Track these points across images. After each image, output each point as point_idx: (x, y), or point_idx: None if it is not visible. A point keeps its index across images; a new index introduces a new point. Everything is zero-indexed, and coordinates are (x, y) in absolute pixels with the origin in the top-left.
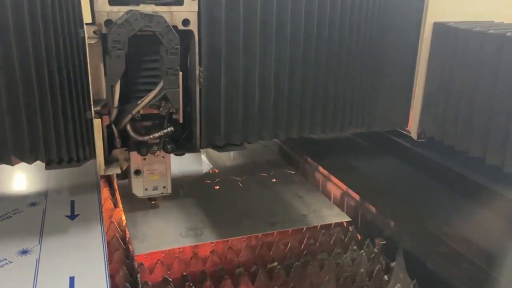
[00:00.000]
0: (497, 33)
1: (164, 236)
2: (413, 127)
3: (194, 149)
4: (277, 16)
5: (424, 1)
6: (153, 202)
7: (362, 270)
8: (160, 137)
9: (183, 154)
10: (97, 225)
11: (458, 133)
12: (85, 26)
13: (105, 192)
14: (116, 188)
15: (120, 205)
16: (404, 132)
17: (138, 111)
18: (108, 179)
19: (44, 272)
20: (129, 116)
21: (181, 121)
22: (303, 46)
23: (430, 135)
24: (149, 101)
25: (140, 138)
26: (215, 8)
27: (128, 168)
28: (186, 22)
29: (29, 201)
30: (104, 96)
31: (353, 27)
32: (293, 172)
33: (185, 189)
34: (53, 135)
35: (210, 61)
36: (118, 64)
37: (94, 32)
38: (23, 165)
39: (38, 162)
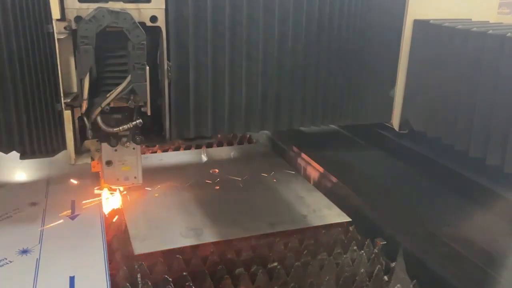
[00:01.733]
0: (465, 28)
1: (164, 236)
2: (395, 120)
3: (164, 141)
4: (247, 14)
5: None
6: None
7: (362, 270)
8: (129, 129)
9: (155, 145)
10: (98, 225)
11: (437, 125)
12: (54, 22)
13: (106, 192)
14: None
15: (121, 205)
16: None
17: (108, 104)
18: None
19: (44, 272)
20: (99, 109)
21: (149, 113)
22: (277, 43)
23: (413, 127)
24: (117, 95)
25: (110, 130)
26: (182, 5)
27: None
28: (153, 18)
29: (30, 201)
30: (75, 89)
31: (333, 24)
32: (294, 172)
33: (186, 189)
34: (25, 127)
35: (178, 56)
36: (86, 58)
37: (65, 28)
38: (24, 164)
39: (39, 161)
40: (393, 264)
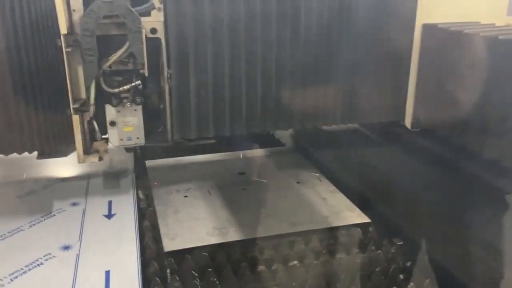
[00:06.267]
0: (470, 32)
1: (192, 235)
2: (407, 119)
3: (166, 142)
4: (246, 24)
5: (416, 5)
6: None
7: (378, 269)
8: (129, 90)
9: (157, 145)
10: (132, 224)
11: (447, 125)
12: (62, 36)
13: (140, 193)
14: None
15: (154, 206)
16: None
17: (109, 66)
18: (145, 182)
19: (83, 266)
20: (101, 71)
21: (146, 75)
22: (276, 48)
23: (424, 125)
24: (118, 57)
25: (111, 90)
26: (181, 18)
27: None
28: (153, 30)
29: (71, 201)
30: (84, 96)
31: (350, 29)
32: (318, 174)
33: (214, 191)
34: (43, 131)
35: (179, 64)
36: (91, 68)
37: (74, 41)
38: (65, 168)
39: (79, 166)
40: (408, 264)
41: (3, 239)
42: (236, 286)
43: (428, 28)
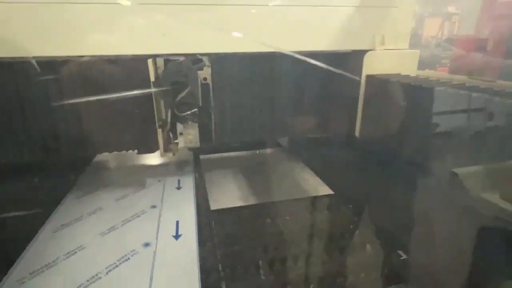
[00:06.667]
0: (393, 80)
1: (227, 199)
2: (357, 131)
3: (212, 144)
4: (260, 74)
5: (363, 62)
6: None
7: (337, 222)
8: (190, 114)
9: (206, 146)
10: (191, 192)
11: (379, 134)
12: (151, 82)
13: (196, 175)
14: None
15: (204, 183)
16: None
17: (179, 99)
18: (199, 168)
19: (163, 218)
20: (174, 102)
21: (200, 105)
22: (280, 89)
23: (367, 135)
24: (183, 95)
25: (180, 114)
26: (221, 71)
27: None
28: (205, 79)
29: (157, 179)
30: (164, 117)
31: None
32: (303, 164)
33: (241, 174)
34: (141, 137)
35: (219, 98)
36: (168, 101)
37: (158, 85)
38: (154, 159)
39: (161, 158)
40: (356, 219)
41: (117, 200)
42: (252, 231)
43: (370, 77)
